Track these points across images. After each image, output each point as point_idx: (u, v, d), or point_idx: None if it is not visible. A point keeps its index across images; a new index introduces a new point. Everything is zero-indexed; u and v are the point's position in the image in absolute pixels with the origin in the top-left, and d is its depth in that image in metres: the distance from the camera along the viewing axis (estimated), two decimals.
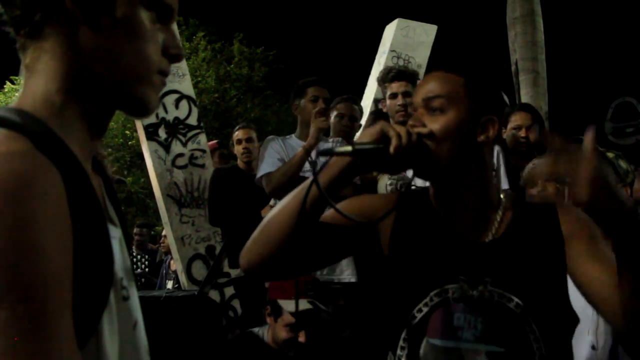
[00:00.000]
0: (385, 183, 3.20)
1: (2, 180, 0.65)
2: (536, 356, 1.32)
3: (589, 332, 2.10)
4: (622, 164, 2.47)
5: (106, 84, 0.84)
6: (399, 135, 1.25)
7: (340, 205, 1.37)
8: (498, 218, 1.44)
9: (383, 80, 3.69)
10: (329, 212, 1.41)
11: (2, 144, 0.70)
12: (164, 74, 0.90)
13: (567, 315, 1.40)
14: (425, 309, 1.36)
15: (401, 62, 6.90)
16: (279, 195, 3.59)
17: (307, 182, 1.31)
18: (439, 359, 1.33)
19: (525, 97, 7.07)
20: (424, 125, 1.36)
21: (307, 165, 3.26)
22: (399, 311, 1.40)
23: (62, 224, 0.69)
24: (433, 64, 1.51)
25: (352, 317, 3.48)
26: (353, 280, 3.36)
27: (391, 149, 1.24)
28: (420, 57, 7.12)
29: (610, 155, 2.49)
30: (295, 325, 2.71)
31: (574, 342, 2.06)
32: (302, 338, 2.71)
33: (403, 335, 1.37)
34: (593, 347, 2.07)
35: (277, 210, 1.36)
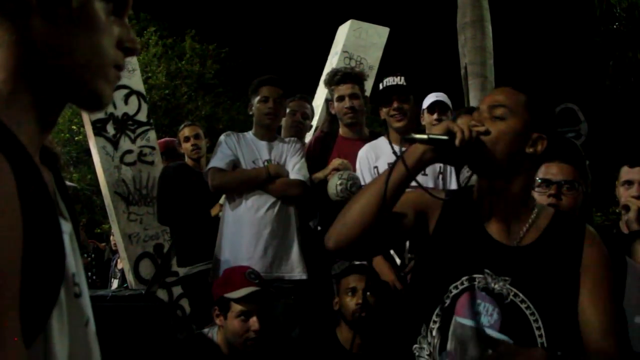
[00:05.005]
0: (335, 183, 3.21)
1: None
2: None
3: None
4: None
5: (59, 75, 0.82)
6: (462, 130, 1.47)
7: (403, 198, 1.60)
8: (526, 227, 1.64)
9: (329, 83, 3.71)
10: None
11: None
12: (119, 68, 0.89)
13: (576, 326, 1.55)
14: (455, 291, 1.61)
15: (353, 63, 6.94)
16: (220, 192, 3.58)
17: (387, 170, 1.54)
18: (456, 333, 1.57)
19: (473, 100, 7.21)
20: (483, 126, 1.56)
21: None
22: (434, 290, 1.64)
23: (10, 218, 0.67)
24: (502, 82, 1.68)
25: (301, 315, 3.48)
26: (304, 277, 3.36)
27: (456, 142, 1.46)
28: (372, 59, 7.19)
29: None
30: (246, 311, 2.67)
31: None
32: (255, 326, 2.66)
33: (437, 311, 1.61)
34: None
35: (360, 196, 1.59)
